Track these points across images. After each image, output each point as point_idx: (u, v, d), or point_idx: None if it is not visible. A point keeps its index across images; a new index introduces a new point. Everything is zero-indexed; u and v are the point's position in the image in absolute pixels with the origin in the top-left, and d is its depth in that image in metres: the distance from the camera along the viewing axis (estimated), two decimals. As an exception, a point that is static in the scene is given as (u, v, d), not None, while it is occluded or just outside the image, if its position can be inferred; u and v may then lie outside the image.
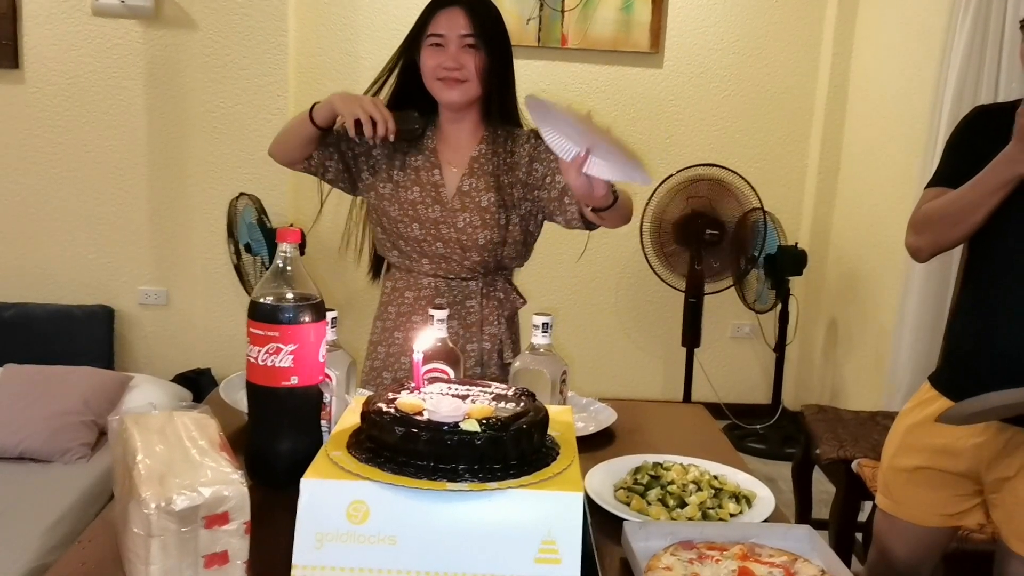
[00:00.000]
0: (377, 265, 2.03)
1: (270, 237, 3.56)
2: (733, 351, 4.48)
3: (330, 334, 1.36)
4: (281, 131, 1.88)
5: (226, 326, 3.89)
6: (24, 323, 3.65)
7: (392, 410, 1.08)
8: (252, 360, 1.22)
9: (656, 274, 4.01)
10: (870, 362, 3.85)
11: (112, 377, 3.32)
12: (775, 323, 4.16)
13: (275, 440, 1.25)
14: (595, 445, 1.56)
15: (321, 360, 1.26)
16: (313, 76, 4.05)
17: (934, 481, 1.77)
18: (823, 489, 2.98)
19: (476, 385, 1.21)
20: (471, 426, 1.04)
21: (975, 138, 1.69)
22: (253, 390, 1.24)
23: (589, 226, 1.79)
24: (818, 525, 2.78)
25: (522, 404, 1.13)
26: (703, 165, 3.92)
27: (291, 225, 3.70)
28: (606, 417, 1.65)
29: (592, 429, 1.59)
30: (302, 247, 3.55)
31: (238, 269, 3.71)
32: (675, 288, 4.04)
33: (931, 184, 1.73)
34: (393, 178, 1.87)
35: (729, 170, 3.91)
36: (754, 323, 4.35)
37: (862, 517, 2.71)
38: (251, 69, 3.78)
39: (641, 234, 3.96)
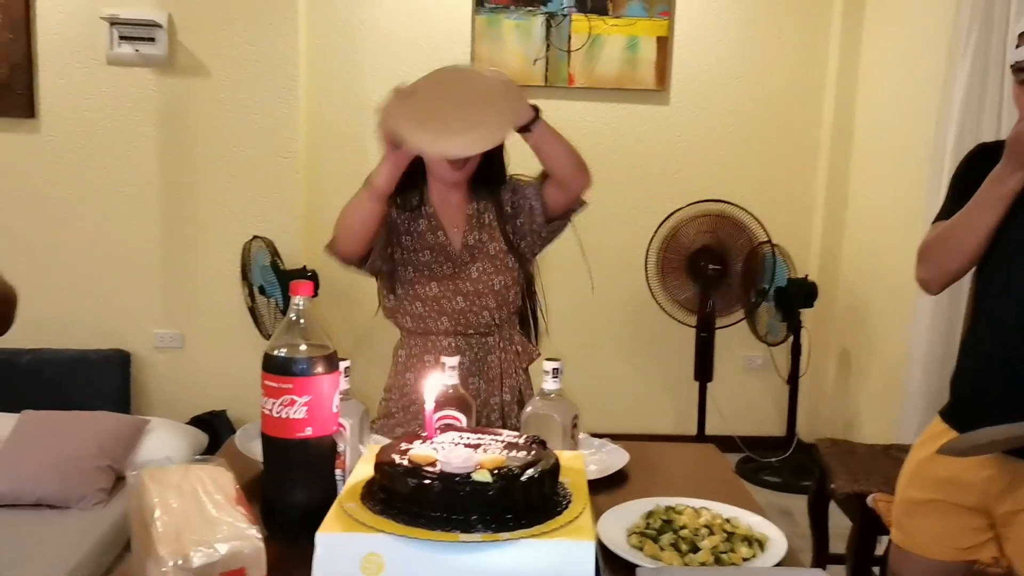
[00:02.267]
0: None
1: (284, 279, 3.60)
2: (746, 384, 4.47)
3: (343, 383, 1.38)
4: (340, 219, 1.85)
5: (241, 368, 3.91)
6: (41, 369, 3.68)
7: (405, 461, 1.09)
8: (267, 412, 1.24)
9: (663, 309, 4.02)
10: (883, 393, 3.83)
11: (128, 421, 3.34)
12: (787, 355, 4.16)
13: (290, 491, 1.26)
14: (608, 487, 1.56)
15: (335, 410, 1.28)
16: (324, 119, 4.12)
17: (946, 514, 1.76)
18: (840, 523, 2.96)
19: (488, 434, 1.22)
20: (483, 476, 1.05)
21: (977, 174, 1.71)
22: (268, 441, 1.26)
23: (566, 212, 1.92)
24: (836, 560, 2.78)
25: (533, 452, 1.14)
26: (709, 201, 3.95)
27: (304, 268, 3.75)
28: (618, 459, 1.66)
29: (604, 472, 1.60)
30: (315, 289, 3.59)
31: (252, 311, 3.74)
32: (684, 323, 4.05)
33: (937, 219, 1.76)
34: (403, 244, 1.92)
35: (735, 205, 3.93)
36: (766, 355, 4.34)
37: (880, 551, 2.69)
38: (263, 113, 3.84)
39: (646, 269, 3.97)
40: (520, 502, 1.06)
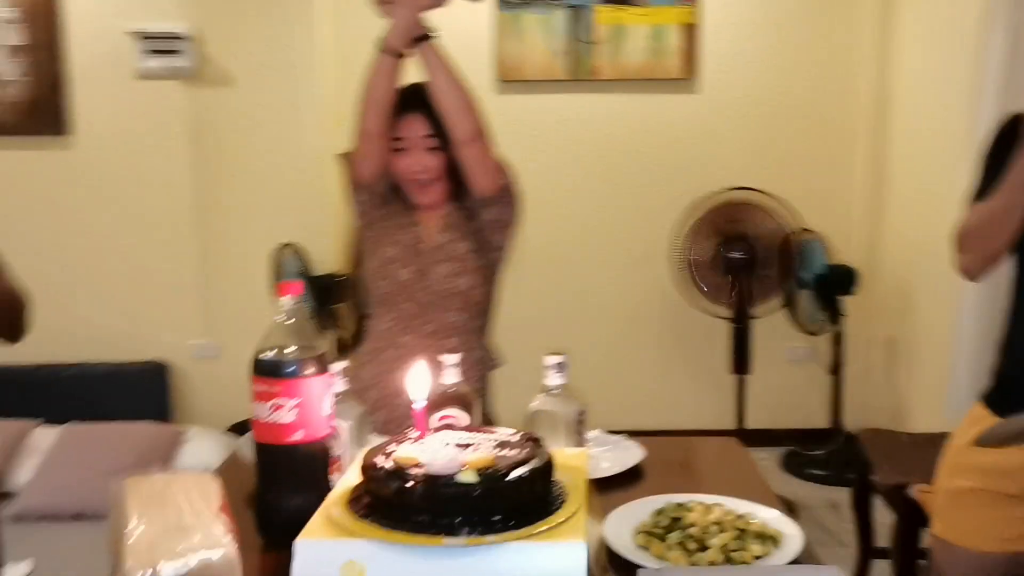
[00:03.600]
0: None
1: (314, 286, 3.60)
2: (789, 375, 4.35)
3: (339, 384, 1.35)
4: (363, 95, 1.95)
5: (276, 375, 3.92)
6: (83, 383, 3.74)
7: (388, 464, 1.05)
8: (257, 417, 1.22)
9: (694, 302, 3.93)
10: (933, 380, 3.70)
11: (166, 431, 3.38)
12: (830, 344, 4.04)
13: (283, 497, 1.23)
14: (623, 484, 1.51)
15: (328, 413, 1.24)
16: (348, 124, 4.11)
17: (988, 503, 1.69)
18: (888, 516, 2.86)
19: (482, 432, 1.18)
20: (468, 477, 1.01)
21: (1009, 147, 1.64)
22: (259, 448, 1.23)
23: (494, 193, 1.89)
24: (883, 554, 2.69)
25: (525, 451, 1.10)
26: (738, 189, 3.85)
27: (334, 274, 3.75)
28: (633, 455, 1.61)
29: (617, 469, 1.55)
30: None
31: (284, 318, 3.74)
32: (714, 315, 3.96)
33: (973, 200, 1.69)
34: (376, 227, 1.95)
35: (764, 192, 3.83)
36: (809, 345, 4.22)
37: (926, 543, 2.59)
38: (290, 121, 3.84)
39: (676, 260, 3.89)
40: (508, 503, 1.02)
